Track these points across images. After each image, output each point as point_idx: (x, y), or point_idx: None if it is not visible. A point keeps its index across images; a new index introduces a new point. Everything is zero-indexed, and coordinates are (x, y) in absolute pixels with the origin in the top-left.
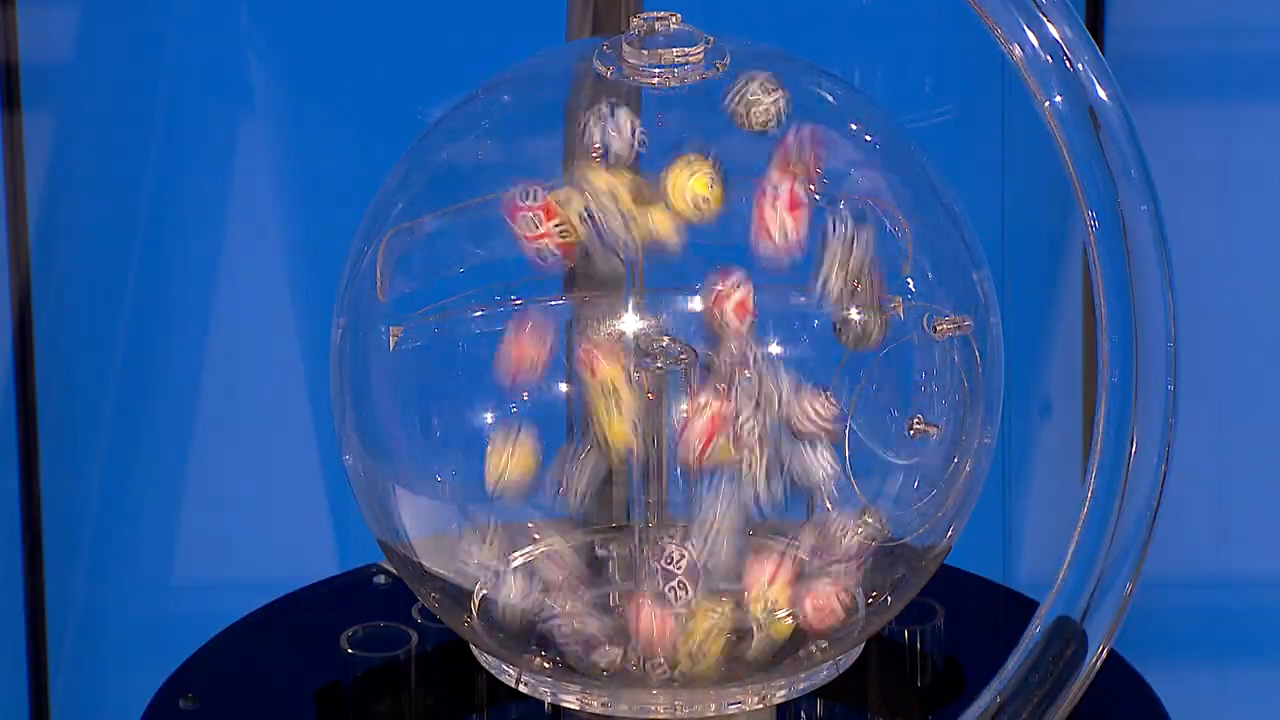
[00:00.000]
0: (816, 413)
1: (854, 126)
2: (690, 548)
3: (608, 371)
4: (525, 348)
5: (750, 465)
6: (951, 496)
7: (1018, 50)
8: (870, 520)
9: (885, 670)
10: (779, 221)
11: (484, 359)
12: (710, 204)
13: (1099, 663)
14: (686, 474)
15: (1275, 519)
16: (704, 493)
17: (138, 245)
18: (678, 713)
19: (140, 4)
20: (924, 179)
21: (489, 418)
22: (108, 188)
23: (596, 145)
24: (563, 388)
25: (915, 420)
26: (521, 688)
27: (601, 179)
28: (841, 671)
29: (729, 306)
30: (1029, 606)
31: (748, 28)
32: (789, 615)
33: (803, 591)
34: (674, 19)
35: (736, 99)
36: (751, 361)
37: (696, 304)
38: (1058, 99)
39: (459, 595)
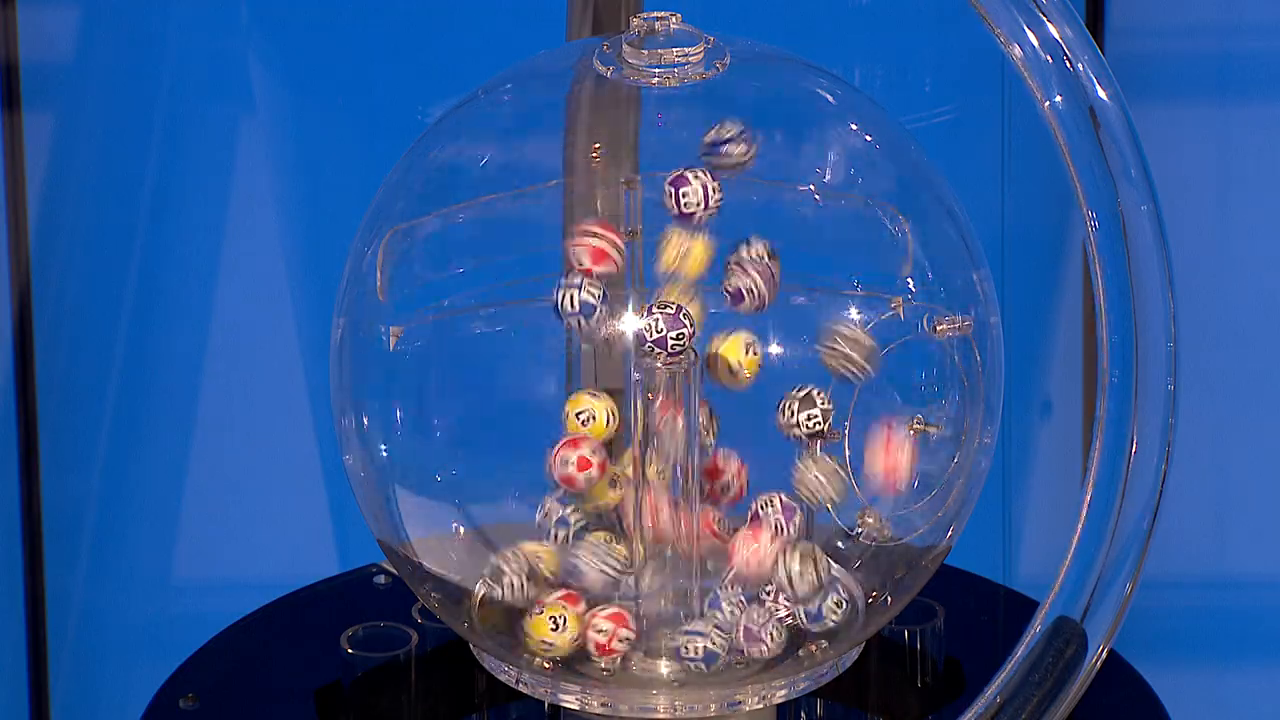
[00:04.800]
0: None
1: (854, 126)
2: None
3: None
4: None
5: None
6: (951, 496)
7: (1018, 50)
8: (870, 520)
9: (885, 670)
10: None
11: (484, 359)
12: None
13: (1099, 663)
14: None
15: (1275, 519)
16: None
17: (138, 245)
18: (678, 713)
19: (140, 4)
20: (924, 179)
21: (488, 418)
22: (108, 188)
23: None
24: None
25: (915, 420)
26: (521, 688)
27: None
28: (841, 671)
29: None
30: (1029, 606)
31: (748, 28)
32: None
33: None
34: (674, 19)
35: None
36: None
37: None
38: (1058, 99)
39: (459, 595)
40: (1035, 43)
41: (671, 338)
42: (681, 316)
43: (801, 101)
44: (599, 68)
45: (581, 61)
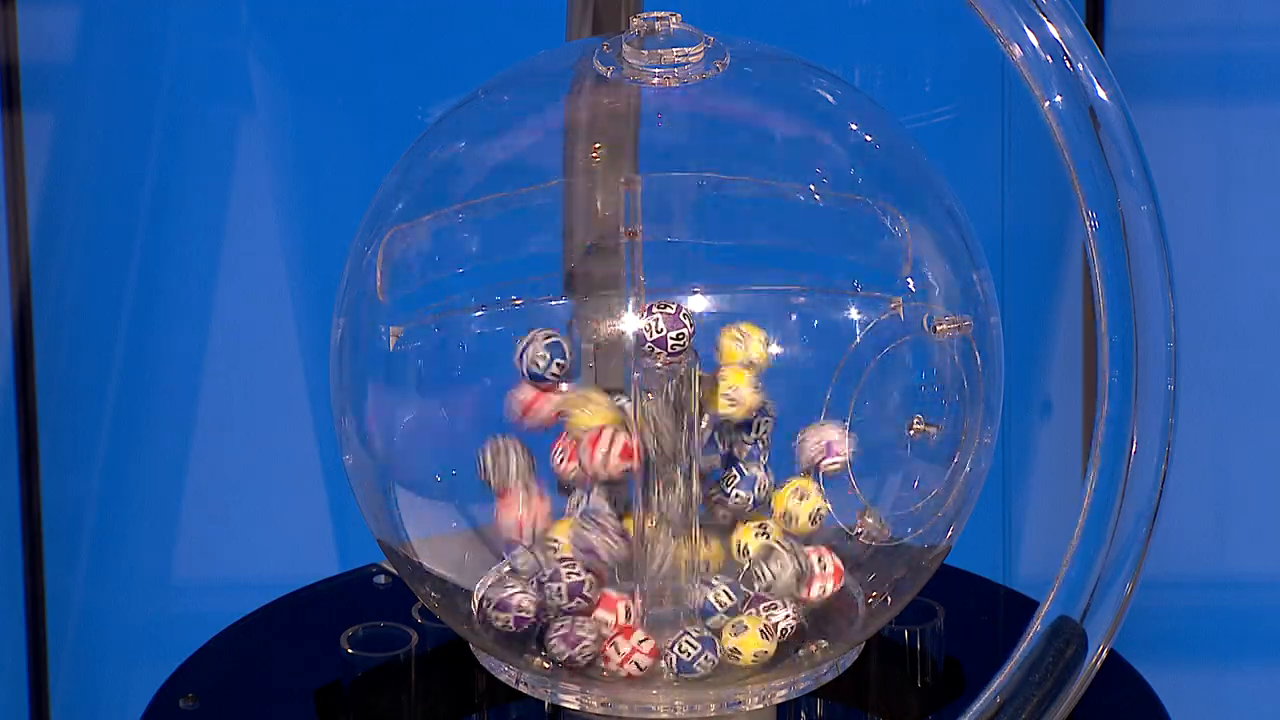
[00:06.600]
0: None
1: (854, 126)
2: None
3: None
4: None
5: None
6: (951, 496)
7: (1018, 50)
8: (870, 520)
9: (885, 670)
10: None
11: (484, 359)
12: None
13: (1099, 663)
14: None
15: (1275, 519)
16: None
17: (138, 245)
18: (678, 713)
19: (140, 4)
20: (924, 179)
21: (489, 418)
22: (108, 188)
23: None
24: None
25: (915, 420)
26: (521, 688)
27: None
28: (841, 671)
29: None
30: (1029, 606)
31: (748, 28)
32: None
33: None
34: (674, 19)
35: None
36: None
37: (698, 303)
38: (1058, 99)
39: (459, 595)
40: (1035, 43)
41: (671, 338)
42: (681, 316)
43: (801, 101)
44: (599, 68)
45: (581, 61)
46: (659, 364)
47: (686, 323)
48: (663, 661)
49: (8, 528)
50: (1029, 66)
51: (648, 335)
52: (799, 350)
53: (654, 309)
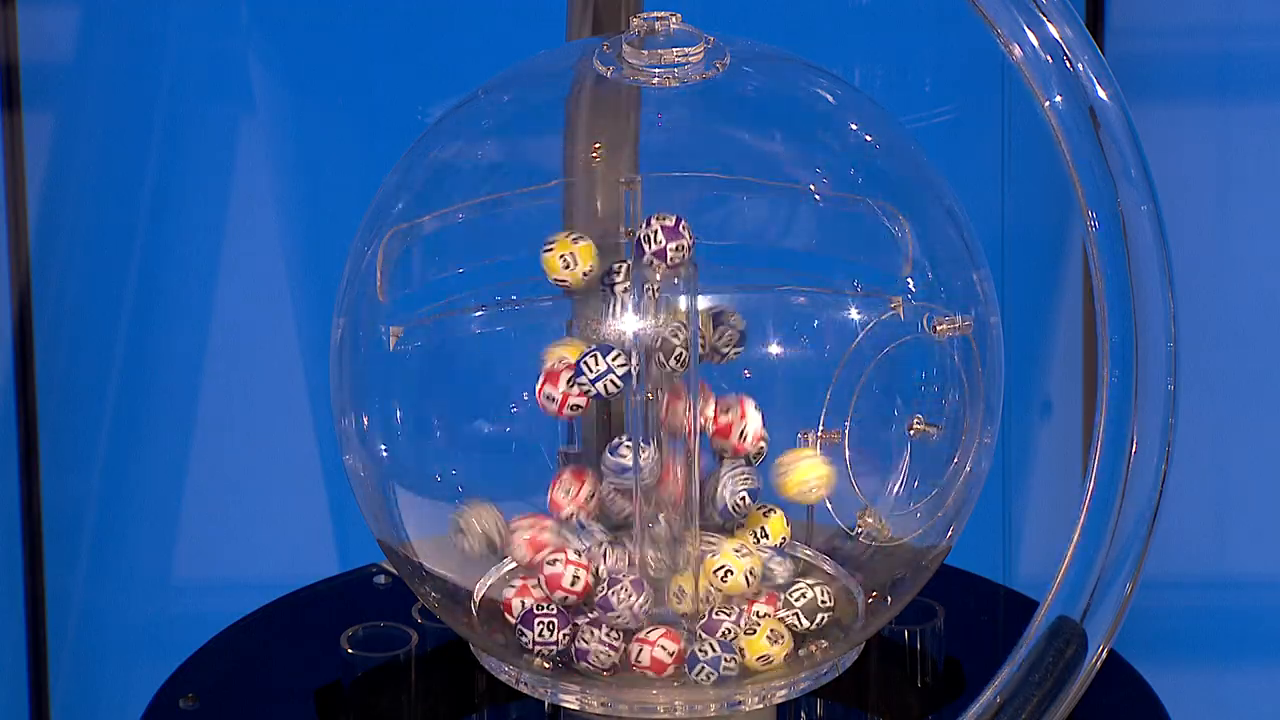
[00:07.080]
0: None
1: (854, 126)
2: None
3: None
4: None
5: None
6: (951, 496)
7: (1018, 50)
8: (870, 520)
9: (885, 670)
10: None
11: (484, 359)
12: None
13: (1099, 663)
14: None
15: (1275, 519)
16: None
17: (138, 245)
18: (677, 713)
19: (140, 4)
20: (924, 179)
21: (488, 418)
22: (108, 188)
23: None
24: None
25: (915, 420)
26: (521, 688)
27: None
28: (841, 672)
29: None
30: (1029, 606)
31: (748, 28)
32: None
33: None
34: (674, 19)
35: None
36: None
37: (700, 302)
38: (1058, 99)
39: (459, 595)
40: (1035, 43)
41: (670, 249)
42: (681, 228)
43: (801, 101)
44: (599, 68)
45: (581, 61)
46: (659, 276)
47: (686, 234)
48: (690, 671)
49: (8, 528)
50: (1029, 66)
51: (647, 248)
52: (799, 350)
53: (653, 220)
